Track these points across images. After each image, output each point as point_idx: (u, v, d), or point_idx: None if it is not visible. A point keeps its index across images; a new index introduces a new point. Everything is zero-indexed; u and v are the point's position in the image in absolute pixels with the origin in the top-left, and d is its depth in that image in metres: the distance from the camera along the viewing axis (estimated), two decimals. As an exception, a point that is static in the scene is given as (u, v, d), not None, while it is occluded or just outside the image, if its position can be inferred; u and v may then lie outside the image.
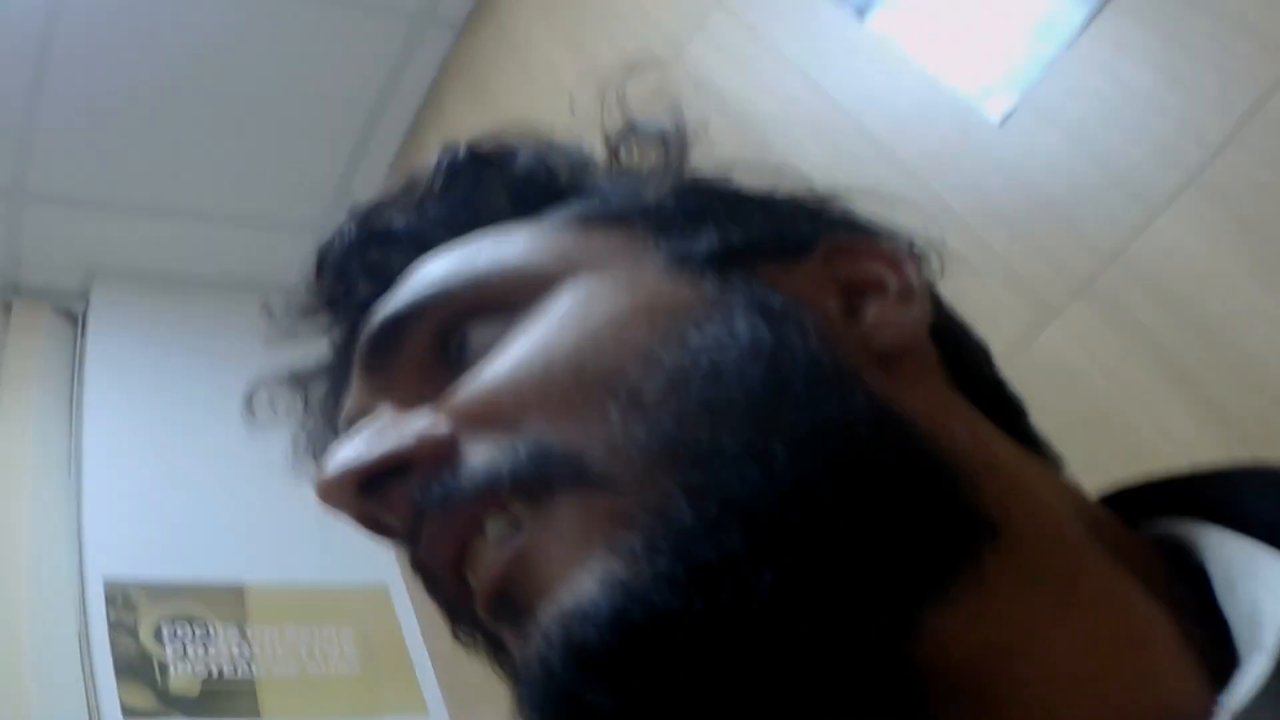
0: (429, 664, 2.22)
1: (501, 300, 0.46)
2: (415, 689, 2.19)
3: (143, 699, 2.02)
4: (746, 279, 0.44)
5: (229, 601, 2.18)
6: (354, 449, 0.43)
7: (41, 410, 2.31)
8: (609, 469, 0.39)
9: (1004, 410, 0.49)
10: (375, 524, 0.44)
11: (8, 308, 2.41)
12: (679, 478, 0.38)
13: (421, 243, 0.51)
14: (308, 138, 2.42)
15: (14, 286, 2.44)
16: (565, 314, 0.44)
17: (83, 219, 2.42)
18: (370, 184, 2.53)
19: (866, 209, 0.53)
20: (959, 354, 0.49)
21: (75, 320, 2.47)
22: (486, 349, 0.44)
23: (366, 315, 0.49)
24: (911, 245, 0.50)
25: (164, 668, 2.06)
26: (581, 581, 0.38)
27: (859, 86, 1.35)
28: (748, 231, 0.47)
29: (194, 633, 2.12)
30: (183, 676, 2.07)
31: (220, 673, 2.10)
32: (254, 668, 2.12)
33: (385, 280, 0.50)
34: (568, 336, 0.43)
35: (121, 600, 2.10)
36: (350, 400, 0.49)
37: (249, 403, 0.55)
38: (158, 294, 2.57)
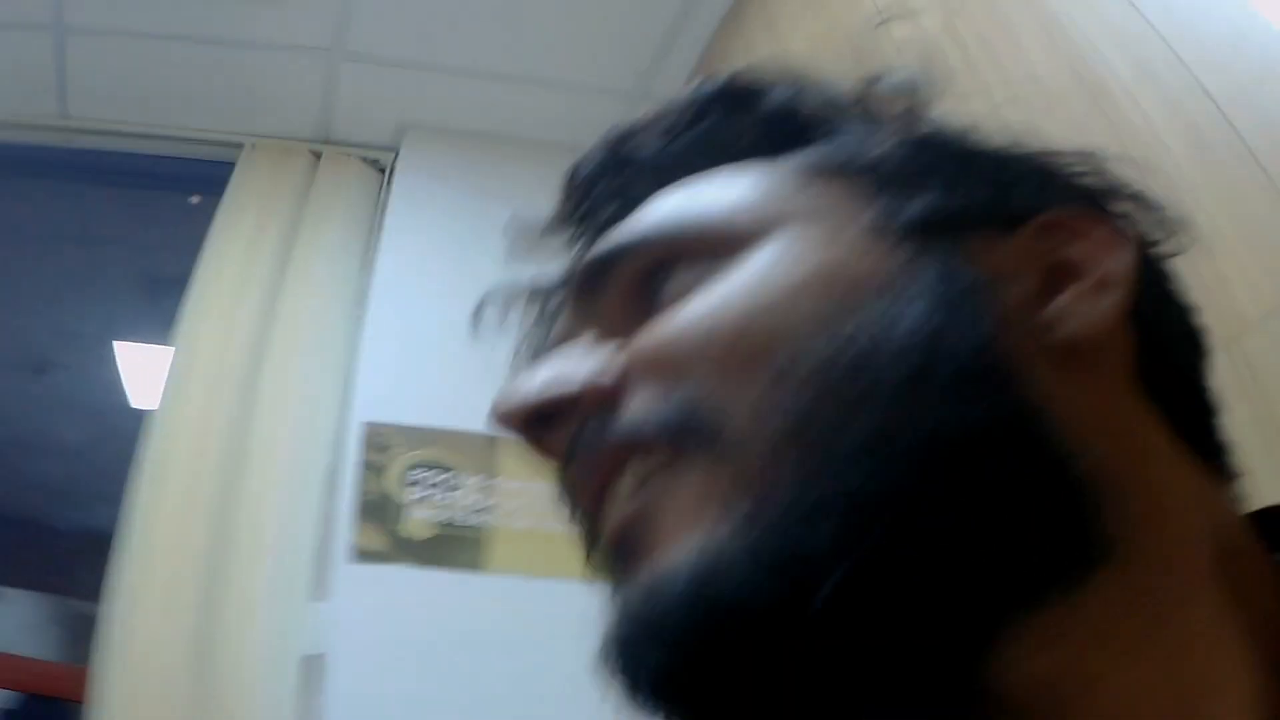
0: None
1: (709, 248, 0.45)
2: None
3: (377, 540, 2.05)
4: (949, 250, 0.43)
5: (481, 451, 2.15)
6: (532, 384, 0.45)
7: (339, 255, 2.40)
8: (742, 437, 0.39)
9: (1190, 409, 0.46)
10: (540, 451, 0.46)
11: (318, 156, 2.50)
12: (798, 458, 0.38)
13: (664, 172, 0.51)
14: (629, 3, 2.33)
15: (326, 136, 2.53)
16: (753, 272, 0.43)
17: (398, 75, 2.46)
18: (689, 56, 2.40)
19: (1122, 171, 0.48)
20: (1158, 343, 0.45)
21: (382, 172, 2.54)
22: (682, 295, 0.44)
23: (590, 243, 0.51)
24: (1149, 218, 0.47)
25: (403, 511, 2.08)
26: (681, 548, 0.38)
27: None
28: (968, 196, 0.45)
29: (440, 479, 2.12)
30: (418, 521, 2.08)
31: (455, 521, 2.08)
32: (489, 519, 2.09)
33: (627, 205, 0.50)
34: (747, 296, 0.42)
35: (377, 442, 2.14)
36: (560, 323, 0.51)
37: (480, 311, 0.59)
38: (464, 152, 2.57)
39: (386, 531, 2.07)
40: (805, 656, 0.37)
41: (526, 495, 2.13)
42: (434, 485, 2.12)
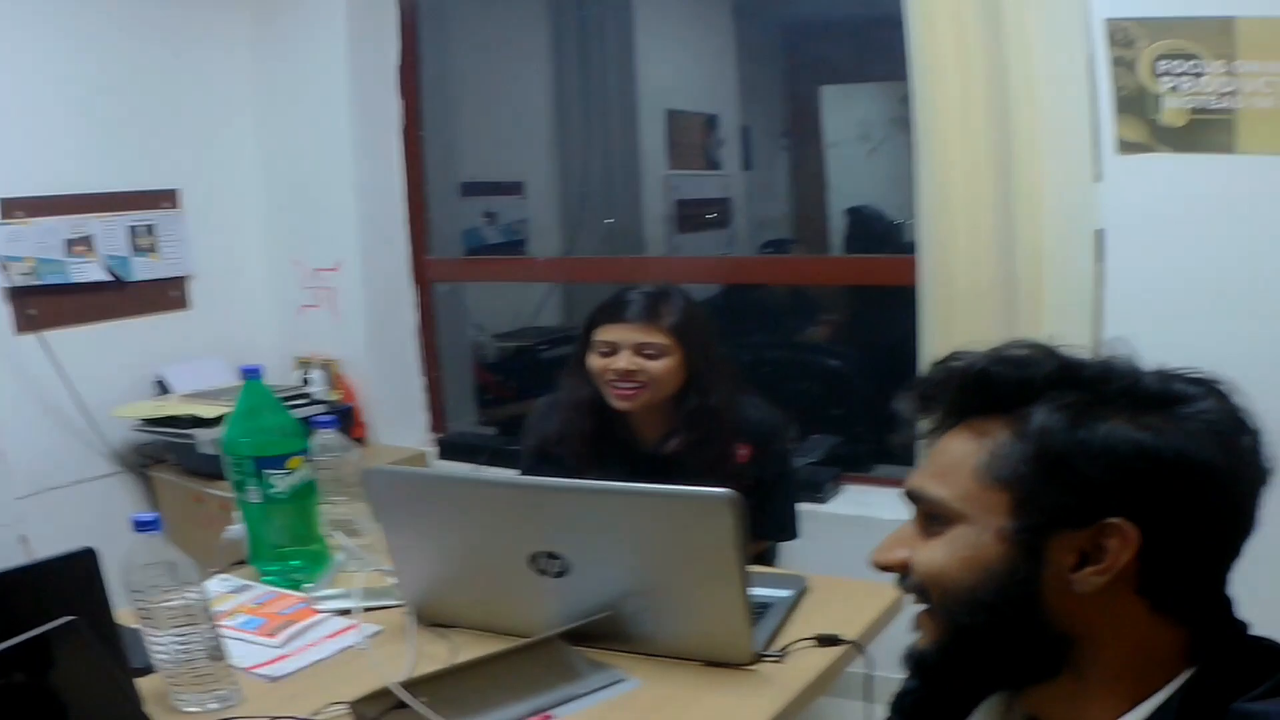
0: None
1: (945, 515, 0.92)
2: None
3: (1136, 132, 2.45)
4: (1040, 543, 0.86)
5: (1219, 35, 2.35)
6: (886, 549, 0.97)
7: None
8: (938, 607, 0.92)
9: (1169, 601, 0.87)
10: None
11: None
12: (950, 621, 0.91)
13: (962, 396, 0.94)
14: None
15: None
16: (953, 544, 0.90)
17: None
18: None
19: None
20: (1158, 576, 0.86)
21: None
22: (934, 534, 0.92)
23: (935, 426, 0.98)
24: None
25: (1157, 101, 2.42)
26: (925, 639, 0.95)
27: None
28: (1064, 510, 0.85)
29: (1186, 66, 2.39)
30: (1172, 109, 2.41)
31: (1206, 106, 2.38)
32: (1236, 101, 2.35)
33: (941, 405, 0.95)
34: (945, 557, 0.90)
35: (1121, 36, 2.43)
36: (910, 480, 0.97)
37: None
38: None
39: (1144, 122, 2.44)
40: (956, 678, 0.95)
41: (1266, 76, 2.33)
42: (1181, 74, 2.40)
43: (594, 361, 2.18)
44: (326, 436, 1.90)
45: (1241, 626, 0.91)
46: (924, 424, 0.97)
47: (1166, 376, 0.90)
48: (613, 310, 2.21)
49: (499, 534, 1.51)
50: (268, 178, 3.62)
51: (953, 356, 0.95)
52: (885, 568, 0.97)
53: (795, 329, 3.97)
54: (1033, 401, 0.89)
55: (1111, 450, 0.84)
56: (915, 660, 0.96)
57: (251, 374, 1.86)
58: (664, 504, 1.43)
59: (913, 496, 0.95)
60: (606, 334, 2.17)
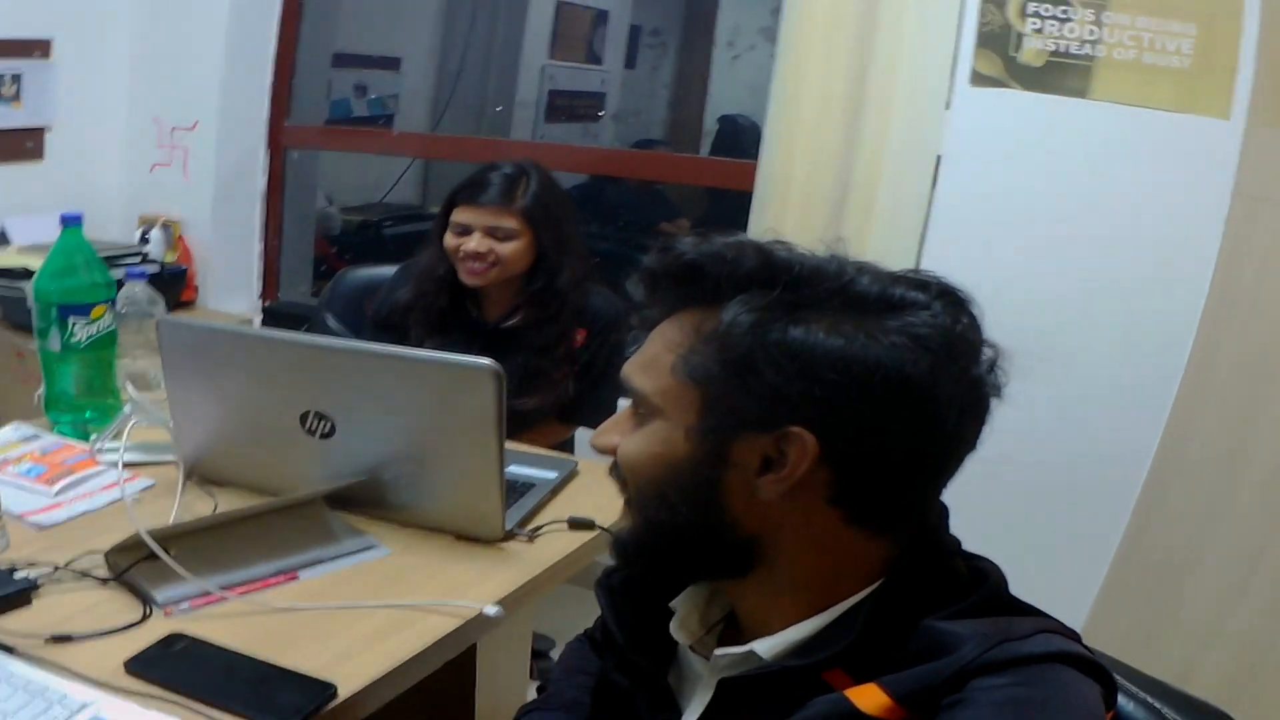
0: (1251, 72, 2.27)
1: (647, 408, 0.90)
2: (1228, 96, 2.30)
3: (992, 66, 2.48)
4: (725, 442, 0.84)
5: None
6: (604, 432, 0.96)
7: None
8: (631, 498, 0.93)
9: (862, 510, 0.85)
10: None
11: None
12: (640, 513, 0.91)
13: (674, 285, 0.90)
14: None
15: None
16: (648, 437, 0.89)
17: None
18: None
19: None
20: (848, 483, 0.84)
21: None
22: (639, 424, 0.91)
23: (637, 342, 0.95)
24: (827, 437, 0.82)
25: (1020, 39, 2.45)
26: (622, 526, 0.95)
27: None
28: (749, 412, 0.83)
29: (1055, 11, 2.41)
30: (1032, 50, 2.44)
31: (1067, 50, 2.42)
32: (1097, 49, 2.40)
33: (663, 293, 0.92)
34: (641, 449, 0.90)
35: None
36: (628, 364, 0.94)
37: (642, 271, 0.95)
38: None
39: (1003, 59, 2.47)
40: (652, 566, 0.95)
41: (1132, 29, 2.37)
42: (1048, 17, 2.43)
43: (449, 240, 2.26)
44: (134, 289, 1.85)
45: (952, 543, 0.89)
46: (651, 311, 0.93)
47: (889, 281, 0.85)
48: (469, 192, 2.27)
49: (275, 391, 1.49)
50: (140, 32, 3.48)
51: (674, 244, 0.90)
52: (601, 451, 0.96)
53: (646, 229, 3.94)
54: (728, 299, 0.85)
55: (798, 356, 0.81)
56: (616, 546, 0.95)
57: (71, 222, 1.78)
58: (428, 370, 1.41)
59: (625, 384, 0.93)
60: (462, 215, 2.26)
